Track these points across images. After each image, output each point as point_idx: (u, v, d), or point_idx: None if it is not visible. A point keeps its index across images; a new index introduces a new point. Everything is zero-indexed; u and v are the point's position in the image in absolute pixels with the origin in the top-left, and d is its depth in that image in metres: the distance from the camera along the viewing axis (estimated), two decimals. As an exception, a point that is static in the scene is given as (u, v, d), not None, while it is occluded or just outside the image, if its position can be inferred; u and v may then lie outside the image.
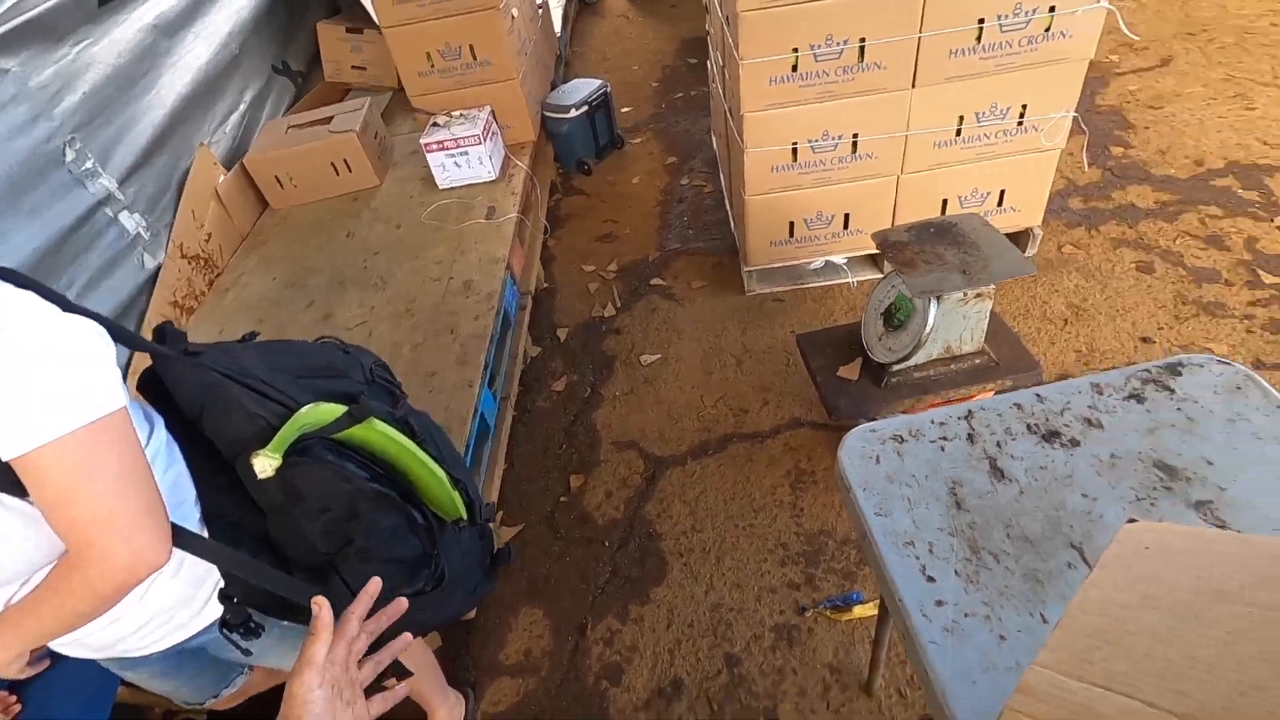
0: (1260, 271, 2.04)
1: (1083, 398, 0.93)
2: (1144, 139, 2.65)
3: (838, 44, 1.79)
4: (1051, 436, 0.90)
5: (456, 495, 0.99)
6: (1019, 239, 2.24)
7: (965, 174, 2.06)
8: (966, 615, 0.74)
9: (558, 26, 3.84)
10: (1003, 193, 2.12)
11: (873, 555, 0.83)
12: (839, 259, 2.27)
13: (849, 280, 2.28)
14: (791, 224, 2.16)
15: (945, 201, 2.14)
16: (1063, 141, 1.99)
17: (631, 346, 2.22)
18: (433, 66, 2.64)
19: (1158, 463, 0.84)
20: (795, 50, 1.80)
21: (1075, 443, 0.88)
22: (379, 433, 0.96)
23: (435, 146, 2.48)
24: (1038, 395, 0.95)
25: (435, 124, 2.55)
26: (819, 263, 2.29)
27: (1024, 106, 1.94)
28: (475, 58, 2.61)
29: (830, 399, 1.50)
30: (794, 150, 1.99)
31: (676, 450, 1.88)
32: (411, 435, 1.00)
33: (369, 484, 0.96)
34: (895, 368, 1.47)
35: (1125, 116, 2.79)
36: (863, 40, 1.79)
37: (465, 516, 1.01)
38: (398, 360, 1.88)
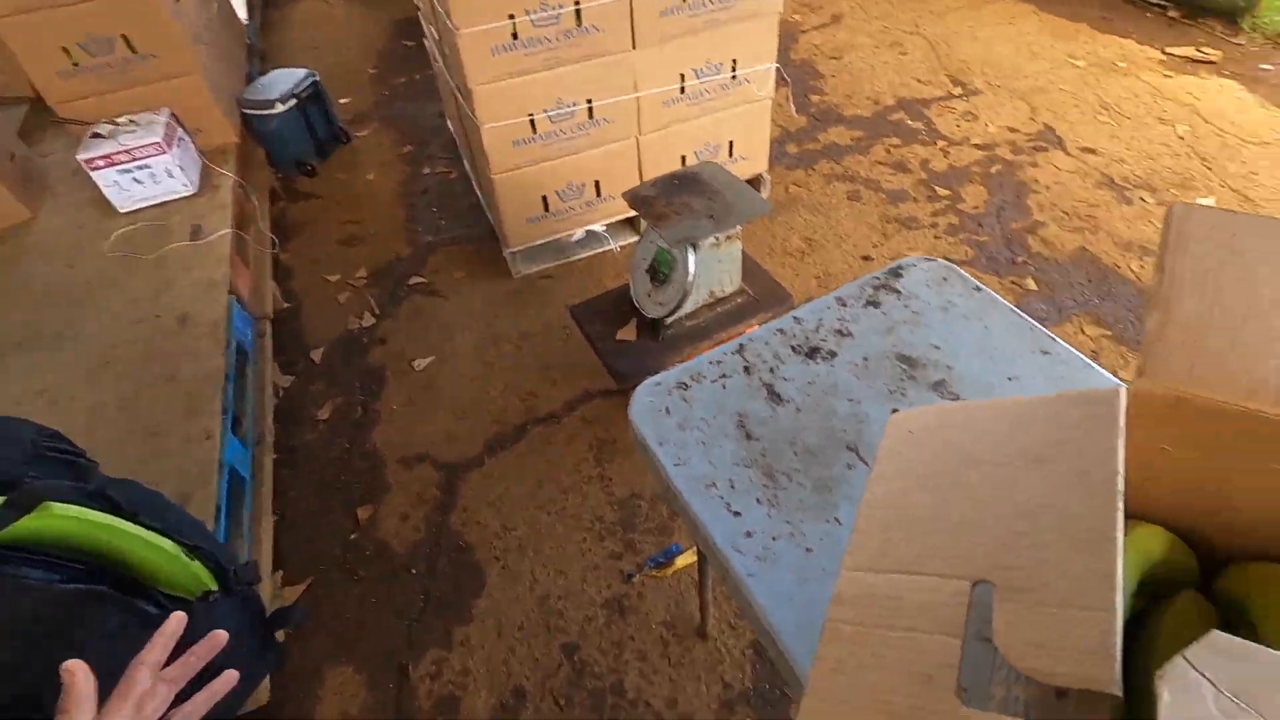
0: (935, 187, 2.43)
1: (831, 312, 1.01)
2: (833, 86, 3.01)
3: (553, 9, 1.76)
4: (813, 353, 0.95)
5: (197, 565, 0.80)
6: (752, 185, 2.43)
7: (697, 129, 2.17)
8: (774, 539, 0.76)
9: (241, 12, 3.35)
10: (731, 144, 2.27)
11: (680, 506, 0.82)
12: (598, 227, 2.28)
13: (612, 246, 2.30)
14: (545, 198, 2.12)
15: (684, 158, 2.24)
16: (771, 92, 2.18)
17: (400, 353, 2.04)
18: (77, 65, 2.14)
19: (900, 356, 0.93)
20: (512, 16, 1.74)
21: (833, 354, 0.95)
22: (64, 518, 0.74)
23: (101, 162, 2.02)
24: (795, 318, 1.01)
25: (97, 135, 2.08)
26: (580, 234, 2.28)
27: (734, 61, 2.07)
28: (134, 50, 2.17)
29: (613, 364, 1.49)
30: (532, 122, 1.94)
31: (471, 452, 1.76)
32: (116, 510, 0.79)
33: (66, 586, 0.74)
34: (669, 320, 1.50)
35: (815, 68, 3.14)
36: (577, 3, 1.77)
37: (215, 587, 0.82)
38: (101, 425, 1.52)
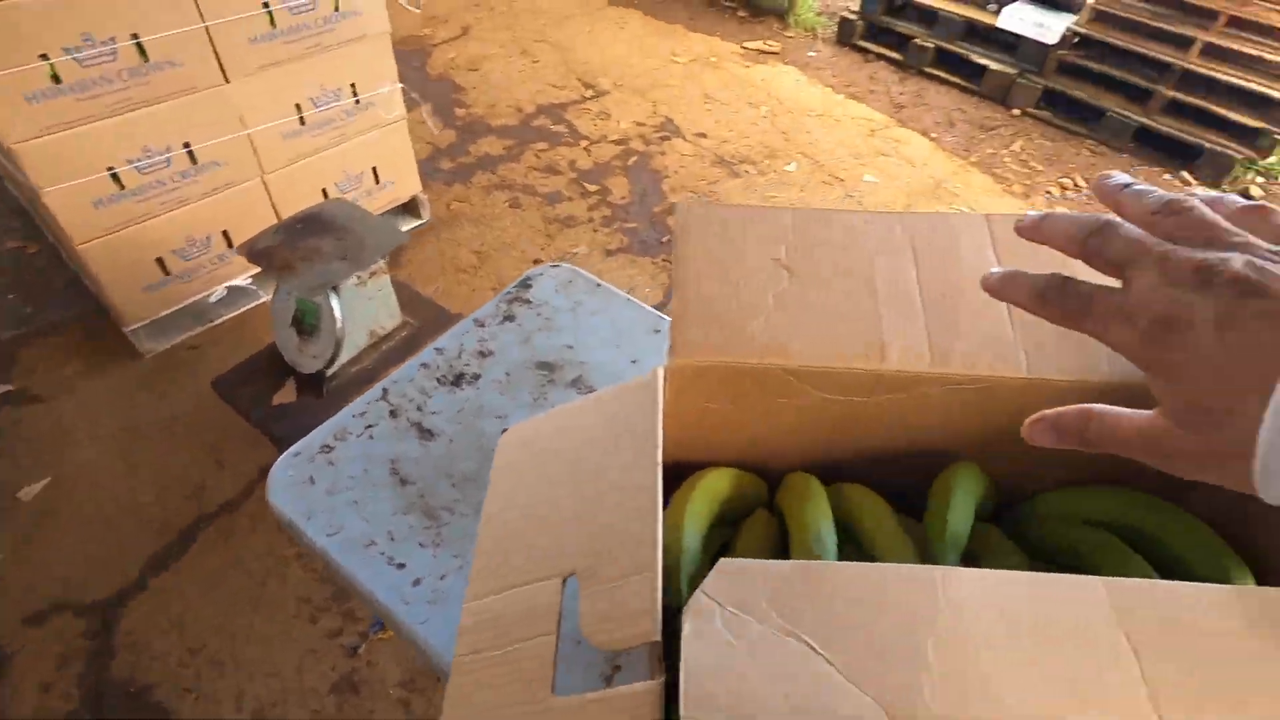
0: (585, 184, 2.62)
1: (471, 335, 1.03)
2: (475, 98, 3.06)
3: (103, 44, 1.50)
4: (458, 380, 0.96)
5: None
6: (411, 207, 2.37)
7: (330, 160, 2.04)
8: (443, 578, 0.76)
9: None
10: (375, 170, 2.18)
11: (342, 576, 0.78)
12: (241, 281, 2.03)
13: (264, 299, 2.07)
14: (160, 260, 1.82)
15: (325, 191, 2.09)
16: (402, 112, 2.13)
17: (-3, 486, 1.61)
18: None
19: (539, 364, 0.98)
20: (45, 56, 1.44)
21: (478, 376, 0.97)
22: None
23: None
24: (436, 349, 1.01)
25: None
26: (221, 291, 2.01)
27: (353, 85, 1.98)
28: None
29: (275, 431, 1.35)
30: (115, 176, 1.65)
31: (126, 578, 1.47)
32: None
33: None
34: (329, 372, 1.40)
35: (455, 81, 3.16)
36: (136, 36, 1.54)
37: None
38: None
